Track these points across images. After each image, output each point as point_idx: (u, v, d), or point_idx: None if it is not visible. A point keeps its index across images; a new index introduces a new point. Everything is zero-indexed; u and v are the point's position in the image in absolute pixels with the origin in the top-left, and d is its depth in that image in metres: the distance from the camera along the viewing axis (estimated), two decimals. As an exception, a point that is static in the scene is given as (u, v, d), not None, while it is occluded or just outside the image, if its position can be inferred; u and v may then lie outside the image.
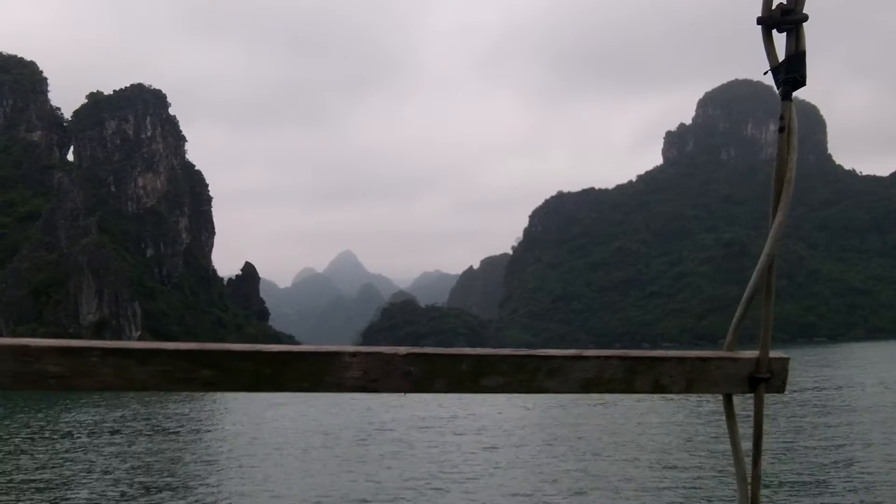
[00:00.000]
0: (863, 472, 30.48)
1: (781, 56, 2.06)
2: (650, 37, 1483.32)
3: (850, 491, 27.35)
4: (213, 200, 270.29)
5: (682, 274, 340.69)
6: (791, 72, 2.03)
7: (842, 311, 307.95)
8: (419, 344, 2.06)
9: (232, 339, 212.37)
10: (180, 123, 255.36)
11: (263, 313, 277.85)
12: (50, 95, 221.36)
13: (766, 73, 2.08)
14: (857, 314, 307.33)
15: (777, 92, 2.07)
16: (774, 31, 2.05)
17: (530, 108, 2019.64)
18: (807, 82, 2.04)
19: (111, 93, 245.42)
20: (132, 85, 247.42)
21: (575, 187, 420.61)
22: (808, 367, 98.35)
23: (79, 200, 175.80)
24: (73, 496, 30.76)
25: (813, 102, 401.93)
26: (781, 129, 2.08)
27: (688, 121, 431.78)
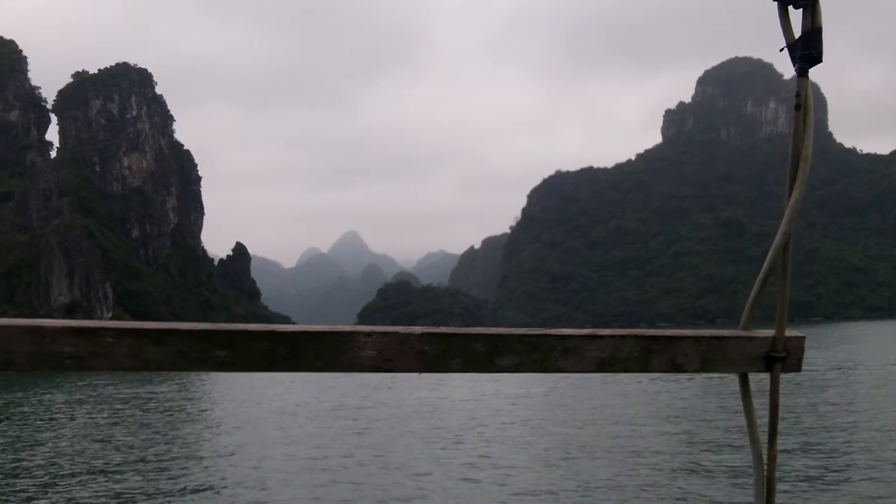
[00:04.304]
0: (869, 451, 30.26)
1: (797, 33, 2.02)
2: (663, 14, 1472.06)
3: (859, 470, 27.15)
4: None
5: (680, 253, 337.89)
6: (807, 48, 2.00)
7: (840, 291, 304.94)
8: (413, 325, 1.91)
9: (219, 320, 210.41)
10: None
11: (254, 294, 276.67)
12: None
13: (781, 50, 2.05)
14: (854, 293, 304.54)
15: (793, 69, 2.04)
16: (790, 8, 2.02)
17: (541, 88, 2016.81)
18: (823, 59, 2.00)
19: (96, 72, 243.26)
20: (117, 64, 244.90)
21: (583, 167, 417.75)
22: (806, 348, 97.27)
23: (52, 181, 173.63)
24: (58, 478, 29.72)
25: (819, 81, 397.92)
26: (798, 107, 2.05)
27: (688, 99, 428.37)
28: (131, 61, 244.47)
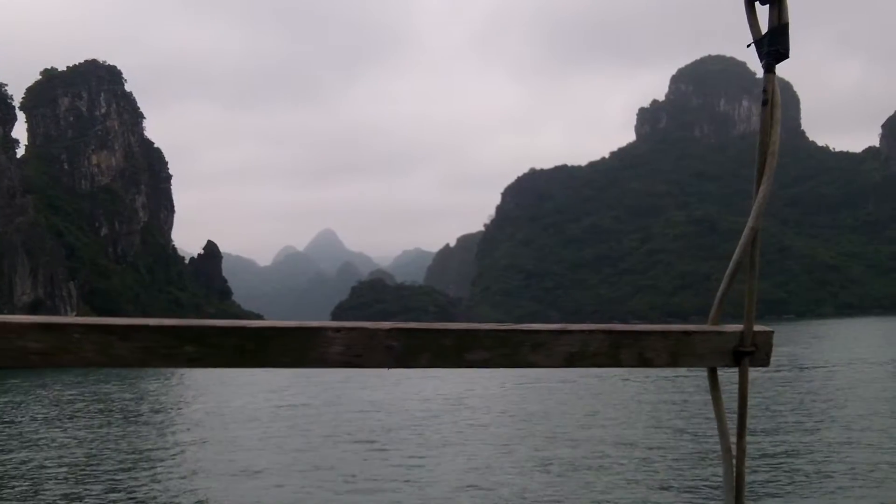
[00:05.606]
0: (835, 446, 30.38)
1: (764, 28, 2.02)
2: (647, 13, 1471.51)
3: (826, 464, 27.30)
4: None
5: (654, 251, 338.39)
6: (774, 44, 2.00)
7: (812, 288, 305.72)
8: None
9: (189, 318, 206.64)
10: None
11: (225, 292, 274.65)
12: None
13: (748, 46, 2.05)
14: (826, 291, 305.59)
15: (760, 65, 2.04)
16: (757, 3, 2.02)
17: (525, 87, 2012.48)
18: (790, 55, 2.00)
19: (65, 69, 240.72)
20: (86, 61, 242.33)
21: (557, 165, 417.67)
22: (778, 345, 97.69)
23: (17, 178, 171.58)
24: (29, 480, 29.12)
25: (795, 79, 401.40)
26: (765, 103, 2.05)
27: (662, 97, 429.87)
28: (114, 61, 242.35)
